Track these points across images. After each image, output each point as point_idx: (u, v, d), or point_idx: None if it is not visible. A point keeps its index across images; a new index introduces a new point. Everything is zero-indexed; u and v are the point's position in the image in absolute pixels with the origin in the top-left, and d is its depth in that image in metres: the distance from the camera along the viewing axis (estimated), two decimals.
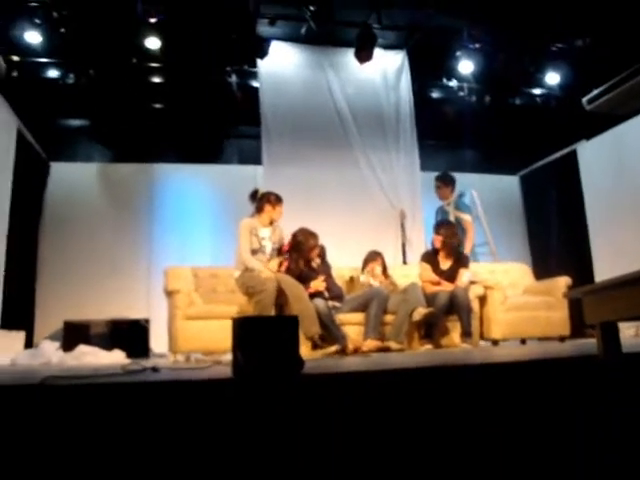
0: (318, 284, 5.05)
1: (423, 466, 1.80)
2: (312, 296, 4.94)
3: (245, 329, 2.12)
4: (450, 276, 5.43)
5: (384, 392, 1.90)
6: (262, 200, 5.18)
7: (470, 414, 1.88)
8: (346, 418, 1.81)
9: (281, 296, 4.70)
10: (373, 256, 5.59)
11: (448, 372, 2.09)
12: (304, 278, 5.02)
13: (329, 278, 5.22)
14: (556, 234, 8.04)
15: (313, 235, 5.18)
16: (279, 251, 5.18)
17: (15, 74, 6.40)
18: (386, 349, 4.82)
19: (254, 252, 4.94)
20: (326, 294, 5.07)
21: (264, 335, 2.09)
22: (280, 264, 5.07)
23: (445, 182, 6.74)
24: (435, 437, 1.84)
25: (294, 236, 5.18)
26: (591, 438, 1.93)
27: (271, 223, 5.16)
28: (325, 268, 5.31)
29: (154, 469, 1.66)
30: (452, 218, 6.47)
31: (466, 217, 6.50)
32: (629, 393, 2.03)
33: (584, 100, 6.87)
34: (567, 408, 1.97)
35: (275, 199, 5.16)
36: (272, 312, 4.58)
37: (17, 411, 1.66)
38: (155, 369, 2.62)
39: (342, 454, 1.76)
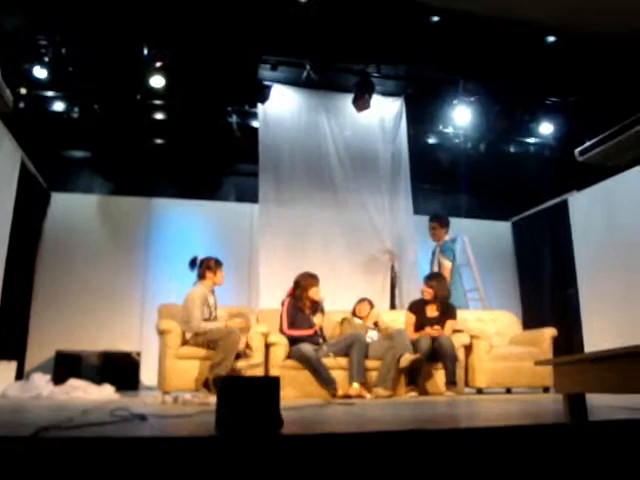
0: (319, 320, 5.34)
1: None
2: (300, 340, 5.09)
3: (229, 388, 2.23)
4: (436, 325, 5.51)
5: (361, 455, 1.98)
6: (202, 267, 5.12)
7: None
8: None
9: None
10: (361, 300, 5.77)
11: (422, 436, 2.17)
12: (304, 317, 5.31)
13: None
14: (546, 282, 8.15)
15: (312, 276, 5.46)
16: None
17: (21, 106, 6.56)
18: (363, 397, 4.89)
19: (206, 321, 4.93)
20: (321, 340, 5.32)
21: (247, 394, 2.19)
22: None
23: (441, 223, 6.82)
24: None
25: (296, 280, 5.46)
26: None
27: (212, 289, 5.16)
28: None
29: None
30: (436, 261, 6.57)
31: (446, 263, 6.52)
32: (595, 459, 2.13)
33: (576, 151, 7.06)
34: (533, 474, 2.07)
35: (215, 264, 5.13)
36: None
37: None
38: (143, 417, 2.70)
39: None
